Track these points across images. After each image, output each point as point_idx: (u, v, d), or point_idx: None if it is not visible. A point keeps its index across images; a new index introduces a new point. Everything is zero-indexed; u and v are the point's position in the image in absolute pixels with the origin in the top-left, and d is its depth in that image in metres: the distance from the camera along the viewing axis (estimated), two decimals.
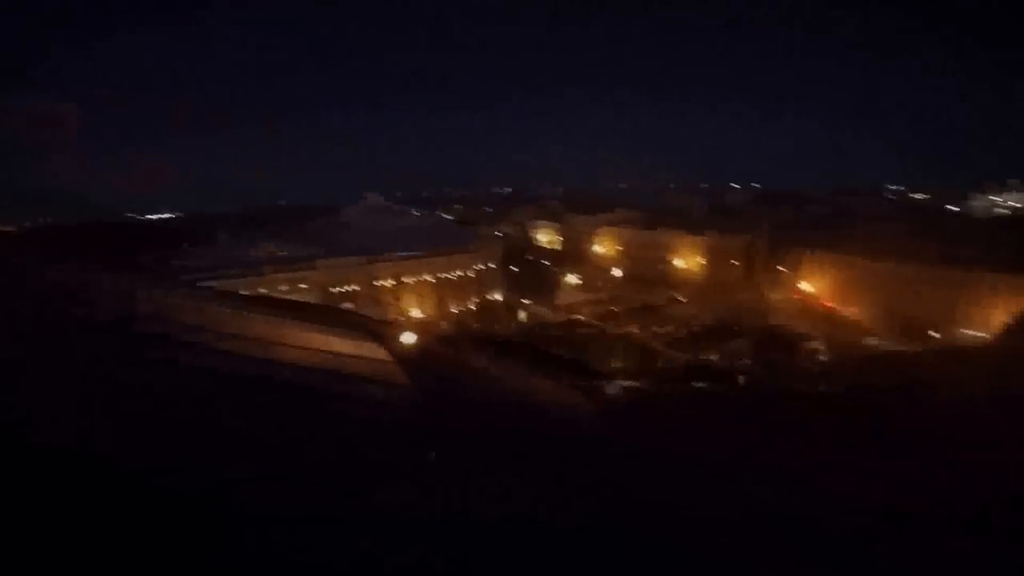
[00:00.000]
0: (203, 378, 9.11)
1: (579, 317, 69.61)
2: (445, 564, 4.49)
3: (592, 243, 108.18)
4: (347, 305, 74.44)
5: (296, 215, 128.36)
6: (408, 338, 12.60)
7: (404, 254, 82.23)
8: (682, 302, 75.40)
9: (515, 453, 7.32)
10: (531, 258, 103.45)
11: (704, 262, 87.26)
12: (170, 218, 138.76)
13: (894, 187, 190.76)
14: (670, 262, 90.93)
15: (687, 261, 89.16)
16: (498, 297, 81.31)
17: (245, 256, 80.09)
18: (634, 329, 64.15)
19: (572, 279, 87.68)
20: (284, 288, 74.41)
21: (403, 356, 11.18)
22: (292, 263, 79.08)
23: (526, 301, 78.60)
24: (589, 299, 77.43)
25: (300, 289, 75.87)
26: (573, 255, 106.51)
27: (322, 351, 11.15)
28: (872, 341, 61.95)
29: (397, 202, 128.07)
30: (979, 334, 54.92)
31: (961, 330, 59.26)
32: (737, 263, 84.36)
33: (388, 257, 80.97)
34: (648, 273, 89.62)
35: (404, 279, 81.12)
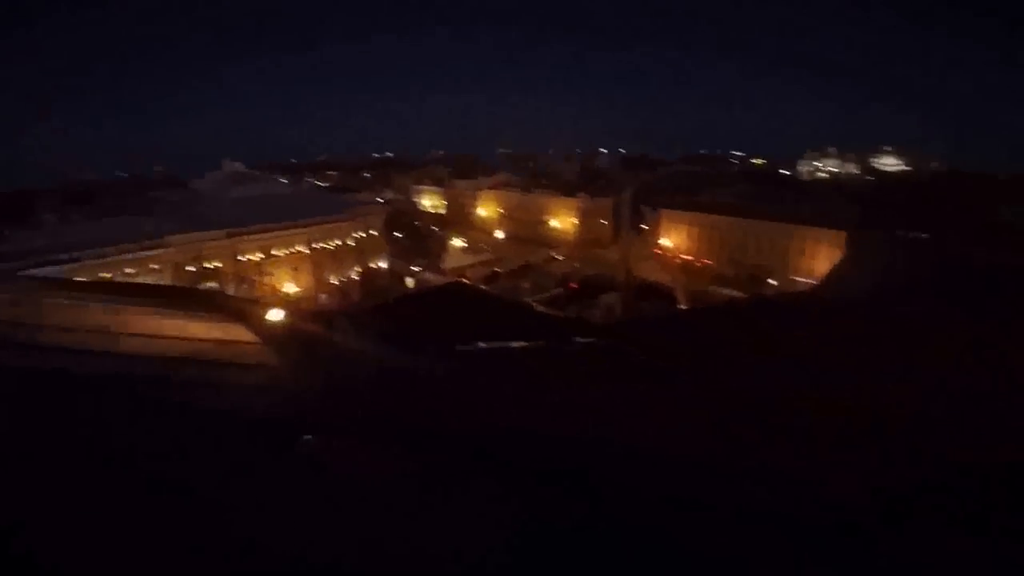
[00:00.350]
0: (33, 381, 7.58)
1: (464, 279, 70.81)
2: (322, 559, 4.10)
3: (475, 207, 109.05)
4: (210, 285, 67.18)
5: (137, 188, 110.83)
6: (275, 315, 11.64)
7: (273, 225, 75.44)
8: (560, 260, 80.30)
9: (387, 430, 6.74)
10: (417, 223, 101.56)
11: (577, 222, 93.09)
12: None
13: (737, 153, 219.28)
14: (548, 223, 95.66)
15: (562, 222, 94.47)
16: (383, 264, 79.06)
17: (79, 237, 67.61)
18: (517, 286, 67.22)
19: (458, 243, 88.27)
20: (131, 271, 64.72)
21: (271, 336, 10.19)
22: (139, 242, 68.50)
23: (415, 268, 77.54)
24: (474, 261, 78.79)
25: (151, 270, 66.51)
26: (458, 219, 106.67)
27: (176, 338, 9.80)
28: (721, 290, 71.57)
29: (261, 170, 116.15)
30: (808, 280, 65.08)
31: (792, 277, 70.98)
32: (606, 223, 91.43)
33: (254, 229, 73.70)
34: (528, 234, 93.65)
35: (275, 252, 74.93)
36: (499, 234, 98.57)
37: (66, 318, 10.14)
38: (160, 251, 68.09)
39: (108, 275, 62.22)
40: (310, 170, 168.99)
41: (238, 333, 10.27)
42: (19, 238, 66.61)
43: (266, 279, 73.62)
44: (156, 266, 68.14)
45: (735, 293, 67.47)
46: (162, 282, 65.72)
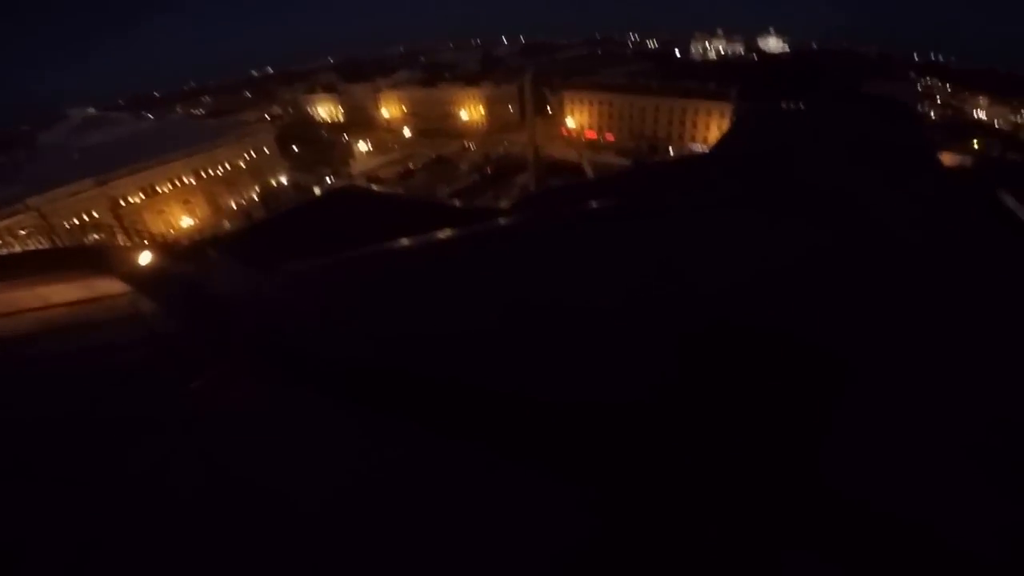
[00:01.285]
0: None
1: (377, 180, 68.97)
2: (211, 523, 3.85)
3: (377, 109, 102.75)
4: (95, 237, 60.39)
5: None
6: (145, 259, 10.26)
7: (148, 163, 67.93)
8: (472, 149, 79.47)
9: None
10: (311, 134, 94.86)
11: (484, 111, 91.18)
12: None
13: (632, 36, 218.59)
14: (455, 115, 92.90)
15: (470, 112, 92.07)
16: (283, 180, 74.51)
17: None
18: (432, 179, 66.69)
19: (363, 147, 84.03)
20: (22, 232, 56.24)
21: (143, 282, 9.05)
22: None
23: (328, 179, 73.71)
24: (385, 162, 76.24)
25: (20, 236, 58.15)
26: (359, 123, 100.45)
27: (39, 308, 8.31)
28: (620, 160, 75.02)
29: (121, 109, 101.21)
30: (702, 147, 70.30)
31: (688, 145, 75.67)
32: (512, 108, 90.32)
33: (127, 171, 66.00)
34: (437, 127, 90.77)
35: (160, 189, 68.21)
36: (407, 132, 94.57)
37: None
38: (22, 216, 59.81)
39: None
40: (180, 100, 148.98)
41: (108, 287, 9.03)
42: None
43: (160, 216, 67.74)
44: (24, 231, 59.88)
45: (618, 160, 71.96)
46: (35, 246, 58.24)
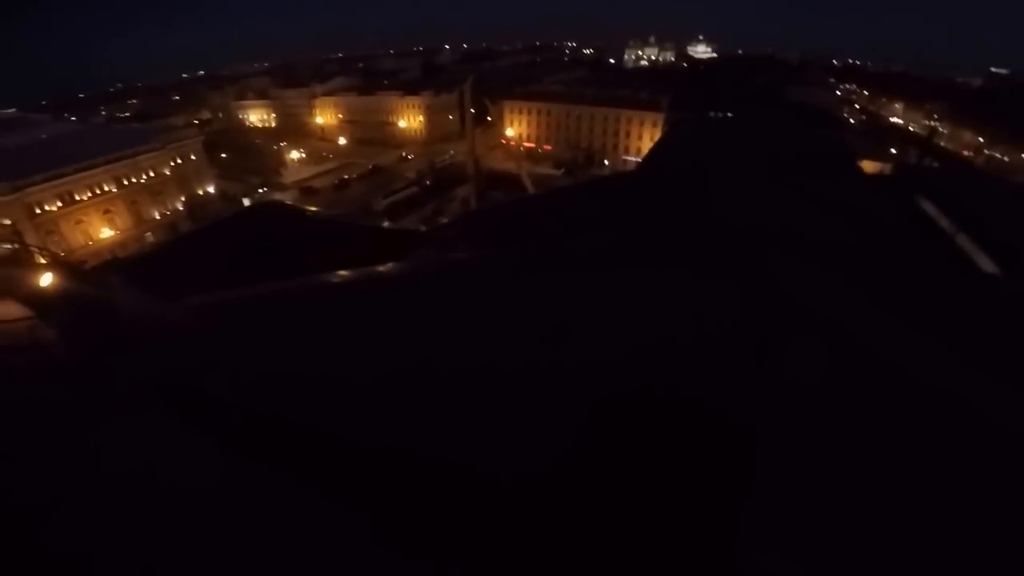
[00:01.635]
0: None
1: (311, 188, 67.71)
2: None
3: (312, 116, 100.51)
4: (4, 247, 56.02)
5: None
6: (47, 281, 9.48)
7: (67, 168, 63.82)
8: (410, 159, 79.41)
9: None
10: (241, 141, 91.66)
11: (424, 120, 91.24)
12: None
13: (569, 43, 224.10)
14: (394, 123, 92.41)
15: (409, 121, 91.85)
16: (210, 189, 71.84)
17: None
18: (369, 190, 66.16)
19: (296, 155, 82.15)
20: None
21: (44, 307, 8.02)
22: None
23: (261, 190, 71.46)
24: (320, 171, 74.90)
25: None
26: (293, 131, 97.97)
27: None
28: (555, 172, 76.61)
29: (42, 110, 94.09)
30: (636, 159, 72.03)
31: (623, 157, 78.05)
32: (452, 118, 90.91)
33: (43, 177, 61.77)
34: (374, 136, 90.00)
35: (78, 197, 64.25)
36: (342, 140, 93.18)
37: None
38: None
39: None
40: (105, 101, 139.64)
41: (6, 311, 8.34)
42: None
43: (79, 227, 63.77)
44: None
45: (555, 172, 73.97)
46: None
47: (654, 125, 74.85)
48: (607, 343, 6.80)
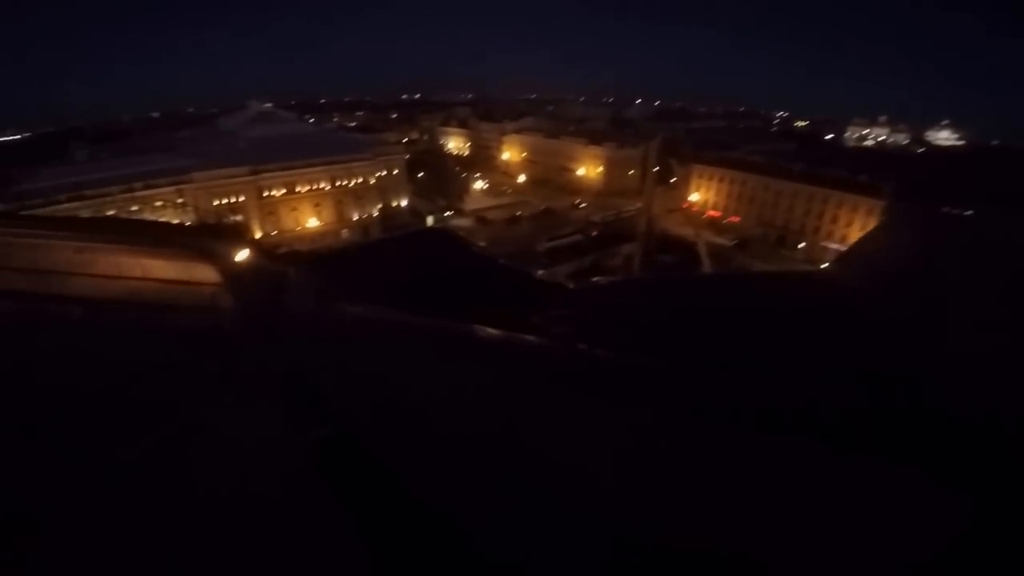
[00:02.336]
0: None
1: (484, 219, 70.44)
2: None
3: (500, 150, 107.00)
4: (236, 218, 68.71)
5: (167, 125, 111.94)
6: (242, 256, 10.53)
7: (296, 162, 76.04)
8: (582, 208, 78.77)
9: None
10: (438, 164, 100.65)
11: (603, 171, 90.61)
12: (15, 139, 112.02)
13: (780, 113, 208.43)
14: (573, 170, 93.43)
15: (588, 170, 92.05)
16: (403, 203, 79.04)
17: (107, 174, 69.19)
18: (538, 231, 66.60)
19: (480, 184, 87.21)
20: (158, 204, 66.69)
21: (232, 277, 9.37)
22: (165, 176, 69.96)
23: (446, 213, 77.19)
24: (495, 204, 78.14)
25: (177, 205, 68.37)
26: (481, 161, 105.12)
27: (137, 278, 8.90)
28: (725, 242, 69.43)
29: (290, 109, 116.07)
30: (838, 247, 63.45)
31: (823, 243, 68.94)
32: (633, 173, 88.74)
33: (277, 166, 74.44)
34: (552, 179, 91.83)
35: (298, 188, 75.77)
36: (522, 178, 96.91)
37: (31, 257, 9.32)
38: (185, 187, 69.48)
39: (136, 208, 64.18)
40: (338, 109, 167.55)
41: (202, 273, 9.46)
42: (51, 174, 68.36)
43: (291, 214, 74.95)
44: (182, 200, 69.74)
45: (726, 243, 66.55)
46: (188, 218, 67.49)
47: (868, 213, 64.34)
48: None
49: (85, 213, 60.14)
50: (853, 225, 66.56)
